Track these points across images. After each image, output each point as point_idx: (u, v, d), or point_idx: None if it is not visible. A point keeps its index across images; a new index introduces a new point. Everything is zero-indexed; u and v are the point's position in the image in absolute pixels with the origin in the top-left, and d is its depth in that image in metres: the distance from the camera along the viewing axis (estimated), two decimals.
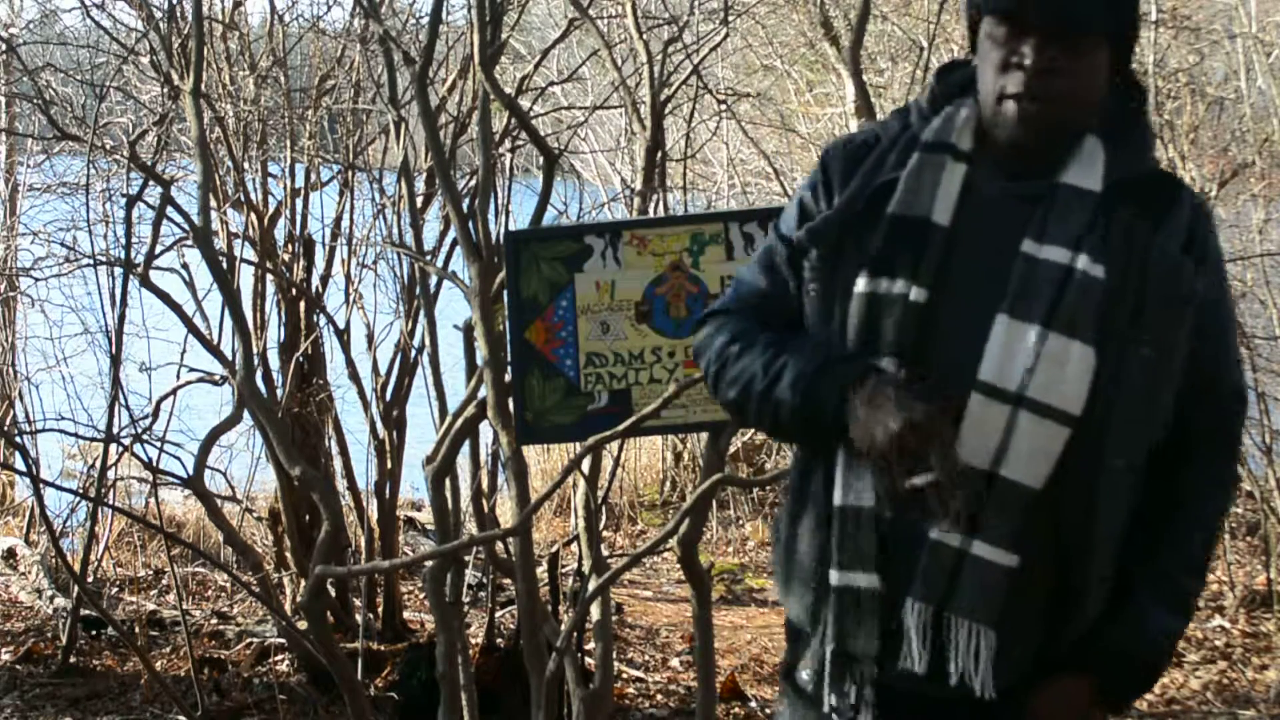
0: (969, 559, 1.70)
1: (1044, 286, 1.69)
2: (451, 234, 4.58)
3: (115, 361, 4.67)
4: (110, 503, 5.14)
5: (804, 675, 1.86)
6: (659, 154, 3.78)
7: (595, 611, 3.05)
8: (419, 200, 4.71)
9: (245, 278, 5.22)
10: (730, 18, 5.32)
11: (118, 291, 4.75)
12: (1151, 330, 1.69)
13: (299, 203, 5.33)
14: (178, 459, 4.60)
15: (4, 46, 5.79)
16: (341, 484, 5.31)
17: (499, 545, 3.91)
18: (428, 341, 4.00)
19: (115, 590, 5.85)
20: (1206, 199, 1.81)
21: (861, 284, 1.76)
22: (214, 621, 5.30)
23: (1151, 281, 1.70)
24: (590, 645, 3.36)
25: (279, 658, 4.84)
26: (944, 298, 1.73)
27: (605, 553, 3.54)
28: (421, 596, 5.65)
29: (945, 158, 1.78)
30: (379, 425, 5.09)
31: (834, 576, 1.77)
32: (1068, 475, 1.69)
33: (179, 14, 4.48)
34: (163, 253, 4.62)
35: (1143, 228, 1.71)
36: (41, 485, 4.54)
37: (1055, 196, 1.73)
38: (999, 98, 1.73)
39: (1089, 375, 1.67)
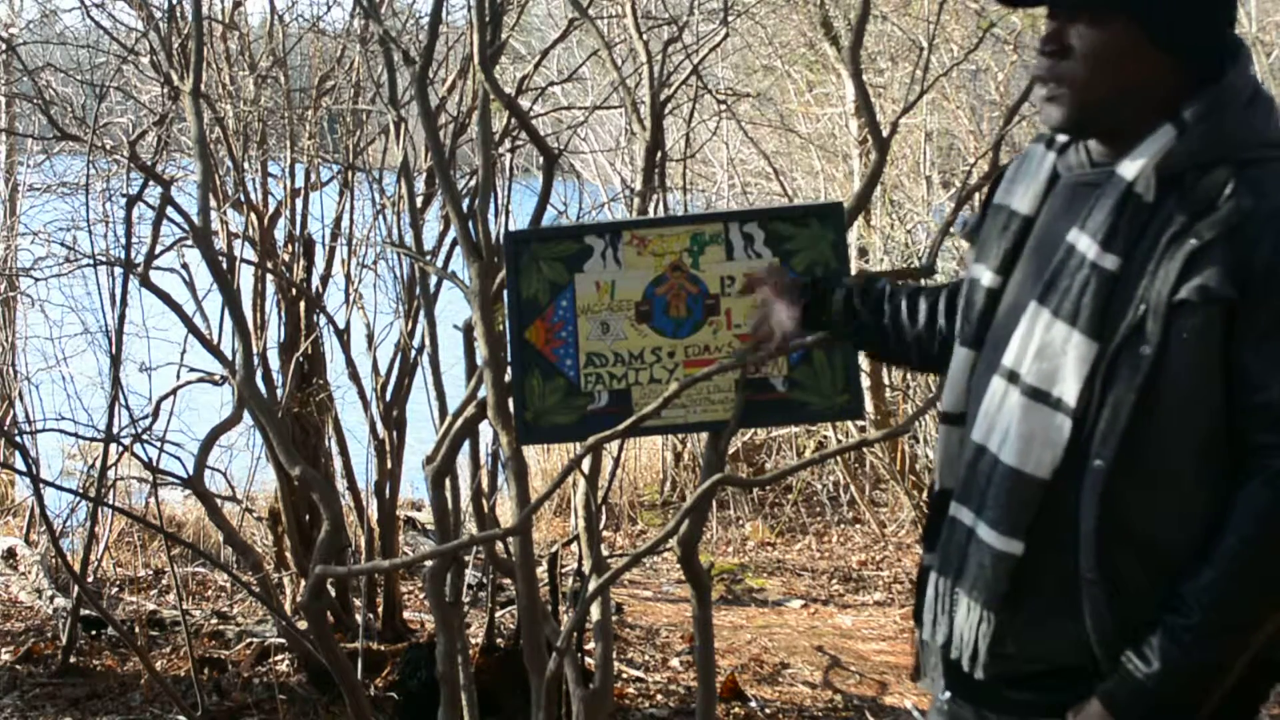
0: (974, 539, 1.76)
1: (1068, 275, 1.71)
2: (451, 234, 4.58)
3: (115, 361, 4.67)
4: (110, 503, 5.14)
5: None
6: (659, 154, 3.78)
7: (595, 611, 3.05)
8: (419, 200, 4.71)
9: (245, 278, 5.22)
10: (730, 18, 5.32)
11: (118, 291, 4.76)
12: (1156, 330, 1.62)
13: (299, 203, 5.32)
14: (178, 459, 4.60)
15: (4, 46, 5.79)
16: (341, 484, 5.31)
17: (499, 545, 3.91)
18: (428, 341, 4.01)
19: (115, 590, 5.85)
20: None
21: (969, 267, 1.91)
22: (214, 621, 5.30)
23: (1158, 278, 1.63)
24: (590, 645, 3.35)
25: (279, 658, 4.84)
26: (1009, 283, 1.82)
27: (605, 553, 3.54)
28: (421, 596, 5.65)
29: (1041, 147, 1.86)
30: (379, 425, 5.09)
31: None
32: (1072, 470, 1.68)
33: (179, 14, 4.48)
34: (163, 253, 4.62)
35: (1175, 221, 1.64)
36: (41, 485, 4.54)
37: (1106, 185, 1.72)
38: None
39: (1084, 367, 1.67)
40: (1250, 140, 1.68)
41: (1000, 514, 1.73)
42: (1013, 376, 1.73)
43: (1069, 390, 1.68)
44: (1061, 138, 1.82)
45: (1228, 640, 1.62)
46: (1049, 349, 1.70)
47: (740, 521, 7.79)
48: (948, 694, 1.87)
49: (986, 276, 1.85)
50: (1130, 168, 1.69)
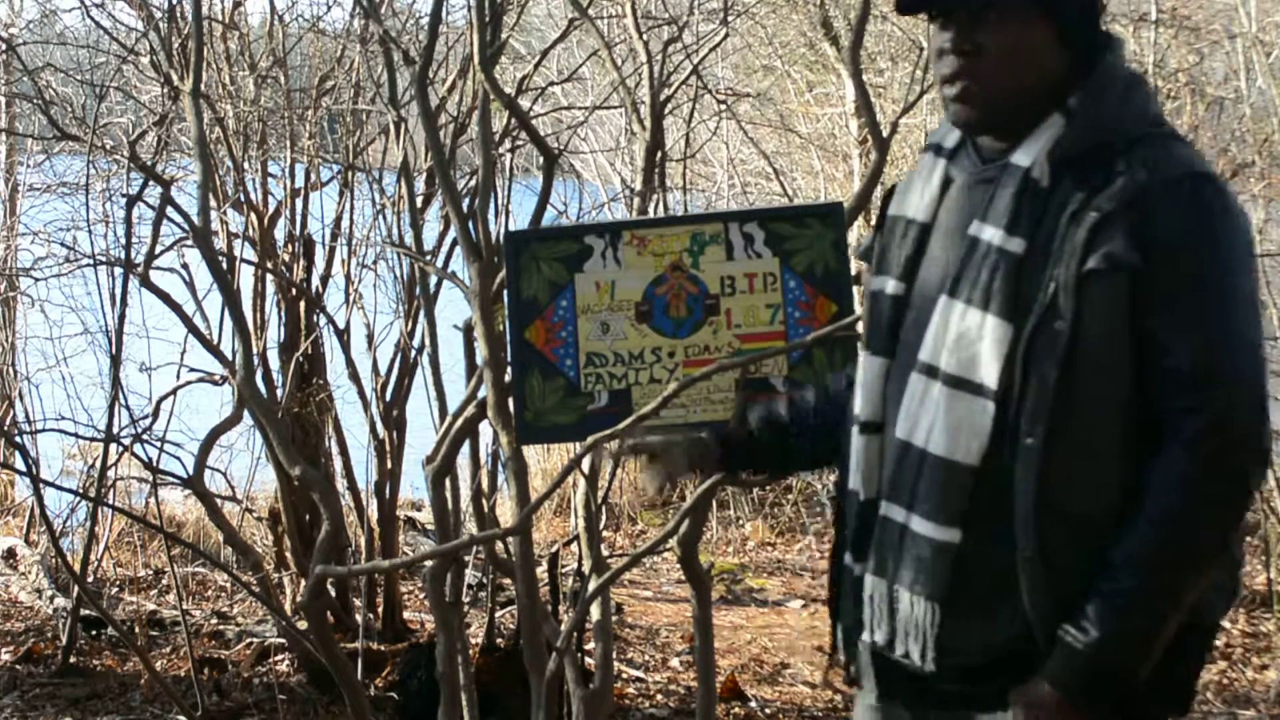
0: (909, 534, 1.78)
1: (975, 266, 1.75)
2: (451, 234, 4.58)
3: (115, 361, 4.67)
4: (110, 503, 5.15)
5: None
6: (659, 154, 3.78)
7: (595, 611, 3.05)
8: (419, 200, 4.71)
9: (245, 278, 5.22)
10: (730, 18, 5.31)
11: (118, 291, 4.76)
12: (1069, 304, 1.66)
13: (299, 203, 5.32)
14: (178, 459, 4.60)
15: (4, 46, 5.79)
16: (341, 484, 5.31)
17: (499, 545, 3.91)
18: (428, 341, 4.01)
19: (115, 590, 5.85)
20: (1208, 174, 1.72)
21: (869, 283, 1.92)
22: (214, 621, 5.30)
23: (1065, 254, 1.68)
24: (590, 645, 3.36)
25: (279, 658, 4.84)
26: (913, 288, 1.85)
27: (605, 553, 3.54)
28: (421, 596, 5.65)
29: (930, 155, 1.90)
30: (379, 425, 5.09)
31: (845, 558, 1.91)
32: (999, 453, 1.71)
33: (179, 14, 4.48)
34: (163, 253, 4.62)
35: (1073, 200, 1.70)
36: (41, 485, 4.54)
37: (1003, 176, 1.77)
38: (940, 85, 1.83)
39: (1002, 349, 1.71)
40: (1134, 121, 1.76)
41: (935, 505, 1.75)
42: (931, 370, 1.76)
43: (989, 374, 1.71)
44: (950, 143, 1.87)
45: (1161, 602, 1.66)
46: (965, 337, 1.74)
47: (740, 521, 7.79)
48: (874, 695, 1.88)
49: (890, 285, 1.88)
50: (1025, 156, 1.76)
